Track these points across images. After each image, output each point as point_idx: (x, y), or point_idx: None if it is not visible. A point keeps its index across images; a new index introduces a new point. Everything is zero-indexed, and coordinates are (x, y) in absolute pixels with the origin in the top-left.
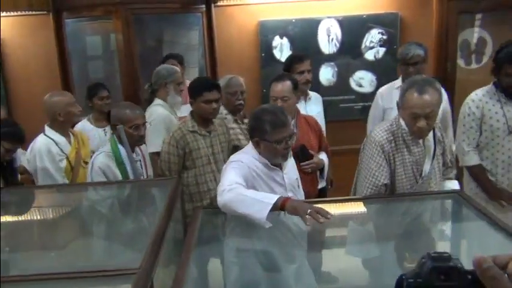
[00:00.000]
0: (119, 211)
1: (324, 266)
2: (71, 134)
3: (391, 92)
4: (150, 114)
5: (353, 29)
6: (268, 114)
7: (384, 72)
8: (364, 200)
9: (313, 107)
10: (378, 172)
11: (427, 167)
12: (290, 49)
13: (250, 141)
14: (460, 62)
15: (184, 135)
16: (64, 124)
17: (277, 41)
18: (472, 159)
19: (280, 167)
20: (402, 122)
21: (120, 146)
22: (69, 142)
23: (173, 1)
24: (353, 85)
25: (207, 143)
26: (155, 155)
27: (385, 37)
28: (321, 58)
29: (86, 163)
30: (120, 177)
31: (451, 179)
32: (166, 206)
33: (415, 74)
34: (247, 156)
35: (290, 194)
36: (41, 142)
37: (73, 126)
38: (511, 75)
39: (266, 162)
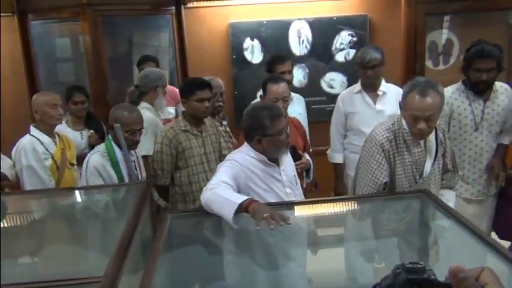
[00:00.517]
0: (88, 217)
1: (289, 268)
2: (56, 135)
3: (351, 97)
4: None
5: (323, 31)
6: (262, 109)
7: (354, 73)
8: (333, 201)
9: (295, 108)
10: (378, 170)
11: (427, 168)
12: (261, 51)
13: (245, 141)
14: (428, 63)
15: (177, 134)
16: (44, 124)
17: (248, 42)
18: None
19: (277, 163)
20: (404, 122)
21: (115, 146)
22: (55, 142)
23: (142, 2)
24: (324, 86)
25: (199, 142)
26: (144, 158)
27: (355, 39)
28: (292, 60)
29: (72, 164)
30: (114, 177)
31: (451, 187)
32: (133, 211)
33: (373, 77)
34: (243, 155)
35: (288, 190)
36: (26, 141)
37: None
38: (479, 70)
39: (264, 159)
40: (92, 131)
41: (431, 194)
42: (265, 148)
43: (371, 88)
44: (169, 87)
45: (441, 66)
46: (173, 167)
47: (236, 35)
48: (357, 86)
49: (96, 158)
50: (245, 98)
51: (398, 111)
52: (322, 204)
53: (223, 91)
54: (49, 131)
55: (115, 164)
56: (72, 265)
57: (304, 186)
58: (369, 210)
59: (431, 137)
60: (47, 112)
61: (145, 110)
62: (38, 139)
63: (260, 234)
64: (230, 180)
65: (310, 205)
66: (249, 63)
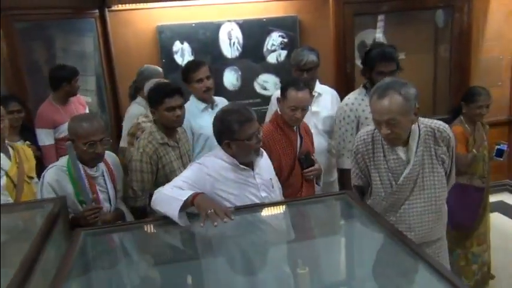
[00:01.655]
0: None
1: (209, 275)
2: (10, 148)
3: None
4: (127, 111)
5: (254, 33)
6: (232, 113)
7: (286, 74)
8: (252, 206)
9: None
10: (351, 173)
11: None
12: (191, 54)
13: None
14: (359, 63)
15: (156, 149)
16: None
17: (177, 46)
18: (345, 163)
19: (251, 167)
20: None
21: (77, 161)
22: (8, 157)
23: (63, 6)
24: (258, 89)
25: (176, 154)
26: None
27: (285, 40)
28: (223, 62)
29: (31, 178)
30: (71, 193)
31: None
32: (40, 232)
33: (309, 79)
34: (213, 159)
35: (263, 194)
36: None
37: None
38: (383, 73)
39: (236, 163)
40: (27, 142)
41: (355, 195)
42: (234, 152)
43: None
44: (76, 97)
45: None
46: (153, 185)
47: (165, 39)
48: None
49: (51, 173)
50: None
51: (334, 113)
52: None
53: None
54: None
55: (75, 180)
56: None
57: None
58: (293, 213)
59: (413, 143)
60: None
61: (134, 105)
62: None
63: (174, 248)
64: (187, 185)
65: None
66: (179, 67)
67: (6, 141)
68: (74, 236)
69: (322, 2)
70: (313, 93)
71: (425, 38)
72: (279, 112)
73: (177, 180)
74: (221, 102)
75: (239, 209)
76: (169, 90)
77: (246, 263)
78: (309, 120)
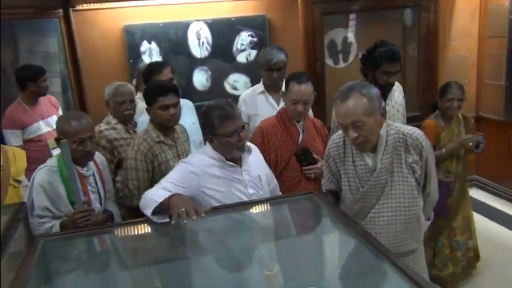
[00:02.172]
0: None
1: (175, 277)
2: None
3: (254, 97)
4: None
5: (223, 32)
6: (215, 109)
7: (256, 74)
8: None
9: (186, 120)
10: (323, 178)
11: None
12: (159, 54)
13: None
14: (329, 62)
15: (151, 147)
16: None
17: (145, 46)
18: None
19: (239, 163)
20: None
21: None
22: None
23: (25, 6)
24: (228, 88)
25: (173, 153)
26: None
27: (255, 39)
28: (193, 62)
29: (18, 181)
30: (64, 194)
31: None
32: None
33: (279, 79)
34: (200, 156)
35: (251, 191)
36: None
37: None
38: (388, 73)
39: (222, 159)
40: None
41: (320, 194)
42: (216, 148)
43: (274, 89)
44: (46, 97)
45: (341, 64)
46: (149, 184)
47: (132, 39)
48: (260, 87)
49: (42, 174)
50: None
51: None
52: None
53: (134, 98)
54: None
55: (67, 181)
56: None
57: None
58: (261, 213)
59: (381, 149)
60: None
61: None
62: None
63: (138, 251)
64: (173, 187)
65: None
66: None
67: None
68: (34, 243)
69: (291, 1)
70: (281, 92)
71: (394, 37)
72: (285, 107)
73: (163, 182)
74: (186, 105)
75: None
76: (163, 89)
77: (212, 265)
78: None
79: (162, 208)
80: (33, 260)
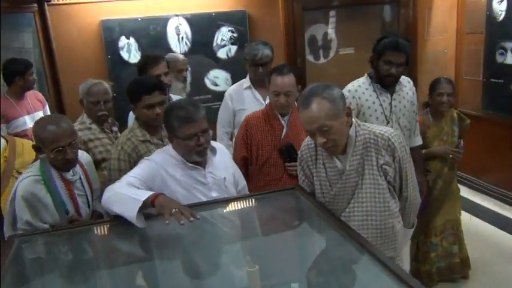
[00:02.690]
0: None
1: (156, 275)
2: (3, 140)
3: (240, 92)
4: None
5: (203, 27)
6: (176, 109)
7: (237, 70)
8: (204, 203)
9: None
10: (299, 180)
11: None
12: (138, 49)
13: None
14: (310, 57)
15: (136, 147)
16: None
17: (123, 41)
18: None
19: (202, 165)
20: None
21: (49, 168)
22: None
23: None
24: (208, 84)
25: None
26: None
27: (235, 35)
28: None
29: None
30: (50, 202)
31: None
32: None
33: (265, 74)
34: (163, 155)
35: (214, 194)
36: None
37: None
38: (390, 62)
39: (183, 160)
40: None
41: (301, 190)
42: (175, 149)
43: (260, 84)
44: (33, 92)
45: (322, 60)
46: None
47: (109, 34)
48: (246, 82)
49: (25, 184)
50: (125, 100)
51: None
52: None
53: (109, 98)
54: None
55: (51, 189)
56: None
57: None
58: (242, 209)
59: (350, 151)
60: None
61: None
62: None
63: (117, 249)
64: (138, 182)
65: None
66: (126, 62)
67: (1, 133)
68: (7, 244)
69: None
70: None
71: (374, 33)
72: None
73: (127, 177)
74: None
75: (191, 207)
76: (147, 87)
77: (193, 263)
78: None
79: (142, 207)
80: (6, 260)
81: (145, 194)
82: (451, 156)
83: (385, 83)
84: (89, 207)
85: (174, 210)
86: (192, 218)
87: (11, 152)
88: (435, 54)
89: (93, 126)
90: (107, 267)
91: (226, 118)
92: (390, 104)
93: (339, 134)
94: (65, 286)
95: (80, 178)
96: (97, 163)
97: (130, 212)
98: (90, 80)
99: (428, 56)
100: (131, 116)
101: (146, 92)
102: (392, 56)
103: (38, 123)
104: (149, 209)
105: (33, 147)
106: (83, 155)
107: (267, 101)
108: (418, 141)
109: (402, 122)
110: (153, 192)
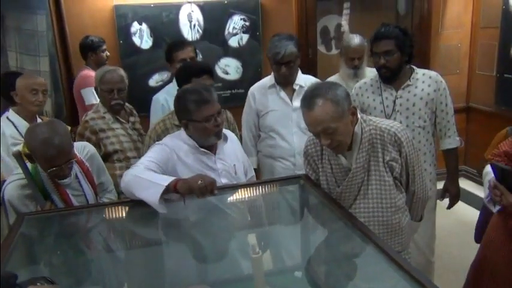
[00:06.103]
0: None
1: (164, 260)
2: (39, 120)
3: (264, 92)
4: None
5: (215, 15)
6: (190, 93)
7: (248, 58)
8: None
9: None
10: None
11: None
12: (150, 35)
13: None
14: (321, 48)
15: (166, 129)
16: (25, 109)
17: (136, 27)
18: None
19: (213, 151)
20: None
21: (42, 174)
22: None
23: None
24: (219, 72)
25: None
26: None
27: (247, 23)
28: (193, 45)
29: None
30: (42, 201)
31: (413, 218)
32: None
33: (289, 73)
34: (175, 140)
35: (223, 181)
36: None
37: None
38: (376, 53)
39: (195, 145)
40: None
41: (309, 178)
42: (192, 134)
43: (286, 83)
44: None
45: (334, 51)
46: None
47: (122, 19)
48: (270, 80)
49: (11, 189)
50: (136, 86)
51: None
52: None
53: (123, 86)
54: (29, 116)
55: (44, 191)
56: None
57: None
58: (248, 197)
59: (356, 148)
60: (26, 97)
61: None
62: (12, 122)
63: (125, 231)
64: (155, 166)
65: None
66: (138, 48)
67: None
68: (16, 221)
69: None
70: (294, 87)
71: None
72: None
73: (144, 161)
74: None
75: None
76: (197, 70)
77: (199, 248)
78: (290, 117)
79: (165, 192)
80: (15, 237)
81: (167, 179)
82: None
83: (382, 75)
84: None
85: (199, 182)
86: (216, 191)
87: None
88: (448, 48)
89: (107, 115)
90: (114, 249)
91: (251, 120)
92: (394, 101)
93: (344, 135)
94: (72, 265)
95: (77, 177)
96: (108, 155)
97: (152, 197)
98: (106, 66)
99: (441, 49)
100: (155, 100)
101: (195, 74)
102: (376, 46)
103: (31, 136)
104: (170, 194)
105: (26, 156)
106: (84, 149)
107: (294, 101)
108: (451, 143)
109: (412, 120)
110: (174, 177)
